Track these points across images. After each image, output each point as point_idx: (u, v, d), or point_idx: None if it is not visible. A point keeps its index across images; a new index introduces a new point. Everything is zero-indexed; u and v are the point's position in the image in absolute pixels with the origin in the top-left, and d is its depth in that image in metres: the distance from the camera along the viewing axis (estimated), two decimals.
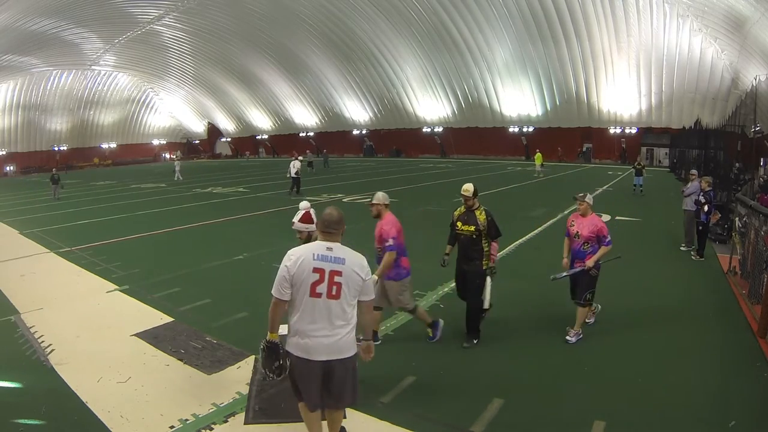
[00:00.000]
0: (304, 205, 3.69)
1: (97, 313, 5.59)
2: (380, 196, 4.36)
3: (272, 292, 2.54)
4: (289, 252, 2.59)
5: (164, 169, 39.08)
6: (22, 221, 12.98)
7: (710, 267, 7.36)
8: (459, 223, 4.53)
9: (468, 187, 4.45)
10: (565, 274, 4.74)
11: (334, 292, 2.51)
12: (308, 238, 3.47)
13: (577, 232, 4.69)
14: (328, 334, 2.50)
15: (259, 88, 49.06)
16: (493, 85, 36.56)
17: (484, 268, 4.42)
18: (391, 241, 4.14)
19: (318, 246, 2.59)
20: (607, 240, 4.61)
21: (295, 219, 3.54)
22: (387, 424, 3.29)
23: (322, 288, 2.49)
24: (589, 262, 4.54)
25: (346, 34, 37.45)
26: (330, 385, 2.59)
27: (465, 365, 4.16)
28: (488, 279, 4.42)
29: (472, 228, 4.41)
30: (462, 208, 4.57)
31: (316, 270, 2.49)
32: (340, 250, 2.59)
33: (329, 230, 2.62)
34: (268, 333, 2.65)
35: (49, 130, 49.50)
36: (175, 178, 25.45)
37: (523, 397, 3.67)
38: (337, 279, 2.51)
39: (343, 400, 2.70)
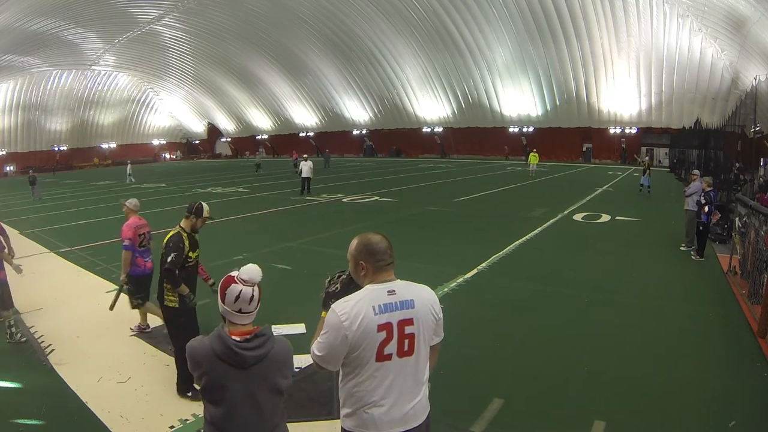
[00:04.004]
0: (250, 270, 1.82)
1: (97, 313, 5.57)
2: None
3: (315, 360, 1.84)
4: (336, 308, 1.79)
5: (164, 169, 39.09)
6: (22, 221, 12.96)
7: (710, 267, 7.36)
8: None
9: None
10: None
11: (406, 349, 1.84)
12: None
13: None
14: (401, 402, 1.84)
15: (259, 88, 49.04)
16: (493, 85, 36.57)
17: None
18: (126, 242, 4.66)
19: (375, 293, 1.83)
20: (123, 243, 4.69)
21: (242, 296, 1.77)
22: None
23: (391, 347, 1.81)
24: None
25: (346, 34, 37.45)
26: None
27: (465, 365, 4.15)
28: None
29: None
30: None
31: (381, 328, 1.79)
32: (404, 289, 1.88)
33: (383, 262, 1.87)
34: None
35: (49, 130, 49.47)
36: (127, 181, 25.84)
37: (523, 397, 3.67)
38: (408, 330, 1.84)
39: None
